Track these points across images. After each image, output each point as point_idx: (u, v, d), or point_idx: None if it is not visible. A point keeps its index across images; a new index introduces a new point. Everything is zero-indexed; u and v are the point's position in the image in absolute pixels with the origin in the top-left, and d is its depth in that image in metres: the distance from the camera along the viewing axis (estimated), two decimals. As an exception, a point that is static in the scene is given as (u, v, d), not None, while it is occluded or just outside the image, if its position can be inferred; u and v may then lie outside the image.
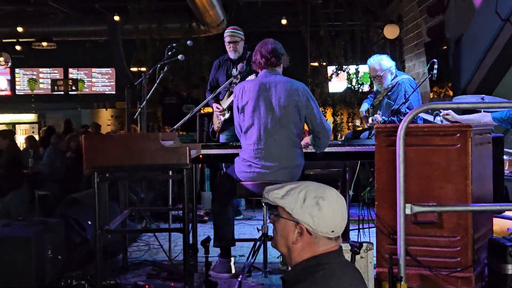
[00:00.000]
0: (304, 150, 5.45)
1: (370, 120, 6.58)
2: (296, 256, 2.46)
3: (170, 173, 5.50)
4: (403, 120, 4.18)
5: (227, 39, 7.24)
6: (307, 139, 5.48)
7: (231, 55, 7.23)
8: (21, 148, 14.47)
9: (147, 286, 4.86)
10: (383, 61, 6.68)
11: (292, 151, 5.22)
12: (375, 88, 7.18)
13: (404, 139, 4.15)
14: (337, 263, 2.44)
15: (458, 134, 4.37)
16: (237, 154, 5.44)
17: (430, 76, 6.18)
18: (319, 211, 2.38)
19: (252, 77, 6.28)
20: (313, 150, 5.52)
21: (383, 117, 6.42)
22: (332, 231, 2.40)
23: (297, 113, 5.22)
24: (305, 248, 2.44)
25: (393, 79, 6.71)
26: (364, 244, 4.34)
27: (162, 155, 4.44)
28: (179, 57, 6.55)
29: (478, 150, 4.55)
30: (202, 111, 13.84)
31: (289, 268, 2.54)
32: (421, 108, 4.38)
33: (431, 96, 11.52)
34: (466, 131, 4.35)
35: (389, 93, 6.70)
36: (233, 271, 5.52)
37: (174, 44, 6.75)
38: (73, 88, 18.75)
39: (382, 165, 4.62)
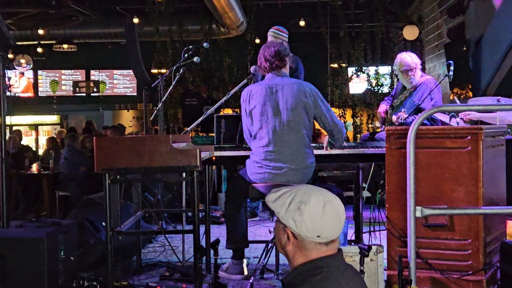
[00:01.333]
0: (322, 152, 5.49)
1: (393, 117, 6.56)
2: (292, 259, 2.47)
3: (184, 175, 5.50)
4: (413, 122, 4.16)
5: (269, 38, 7.21)
6: (326, 138, 5.52)
7: None
8: (43, 149, 14.63)
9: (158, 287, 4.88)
10: (414, 56, 6.70)
11: (303, 152, 5.23)
12: (392, 91, 7.14)
13: (415, 142, 4.13)
14: (335, 267, 2.43)
15: (469, 137, 4.34)
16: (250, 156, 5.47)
17: (446, 77, 6.16)
18: (300, 215, 2.38)
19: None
20: (329, 152, 5.55)
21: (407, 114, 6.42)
22: (318, 236, 2.39)
23: (305, 114, 5.24)
24: (297, 252, 2.44)
25: (420, 78, 6.71)
26: (374, 247, 4.33)
27: (172, 157, 4.46)
28: (195, 59, 6.58)
29: (490, 153, 4.51)
30: (222, 113, 13.95)
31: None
32: (431, 110, 4.37)
33: (451, 98, 11.45)
34: (477, 133, 4.32)
35: (413, 92, 6.68)
36: (246, 272, 5.52)
37: (190, 46, 6.78)
38: (95, 89, 18.89)
39: (392, 167, 4.60)
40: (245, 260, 5.59)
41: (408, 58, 6.71)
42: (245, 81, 6.34)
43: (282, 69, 5.37)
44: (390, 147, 4.63)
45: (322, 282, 2.37)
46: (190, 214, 7.13)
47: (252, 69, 6.25)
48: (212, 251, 4.64)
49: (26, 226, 5.04)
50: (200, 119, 6.19)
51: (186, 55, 6.71)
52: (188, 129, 6.42)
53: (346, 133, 5.56)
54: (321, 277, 2.38)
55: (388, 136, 4.64)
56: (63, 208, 9.88)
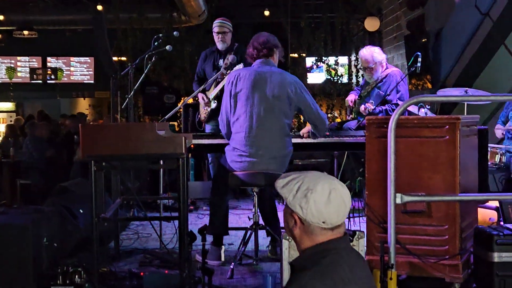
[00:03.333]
0: (298, 140, 5.63)
1: (361, 107, 6.71)
2: (299, 242, 2.58)
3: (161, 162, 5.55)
4: (395, 112, 4.29)
5: (215, 29, 7.32)
6: (307, 128, 5.67)
7: (219, 45, 7.31)
8: (0, 137, 14.44)
9: (142, 274, 4.93)
10: (376, 54, 6.82)
11: (282, 140, 5.38)
12: (362, 81, 7.29)
13: (395, 131, 4.26)
14: (342, 249, 2.54)
15: (447, 126, 4.49)
16: (227, 144, 5.56)
17: (414, 69, 6.34)
18: (307, 203, 2.48)
19: (240, 66, 6.41)
20: (305, 141, 5.70)
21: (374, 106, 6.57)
22: (323, 222, 2.49)
23: (288, 104, 5.38)
24: (303, 235, 2.55)
25: (383, 71, 6.84)
26: (356, 232, 4.45)
27: (158, 144, 4.52)
28: (167, 47, 6.65)
29: (465, 142, 4.67)
30: (182, 100, 13.94)
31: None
32: (412, 100, 4.51)
33: (409, 88, 11.66)
34: (454, 123, 4.48)
35: (379, 84, 6.83)
36: (223, 258, 5.64)
37: (160, 35, 6.84)
38: (52, 77, 18.61)
39: (372, 156, 4.73)
40: (223, 247, 5.71)
41: (368, 56, 6.84)
42: (222, 70, 6.45)
43: (270, 58, 5.49)
44: (370, 136, 4.75)
45: (331, 264, 2.47)
46: (165, 201, 7.21)
47: (230, 58, 6.35)
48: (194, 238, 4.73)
49: (9, 212, 5.04)
50: (176, 108, 6.32)
51: (156, 43, 6.77)
52: (166, 117, 6.48)
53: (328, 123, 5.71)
54: (330, 259, 2.49)
55: (368, 125, 4.77)
56: (24, 196, 9.82)
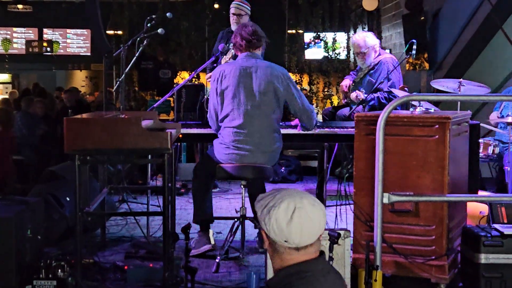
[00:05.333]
0: (289, 131, 5.59)
1: (352, 95, 6.64)
2: (271, 260, 2.55)
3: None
4: (384, 110, 4.21)
5: (232, 10, 7.22)
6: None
7: (233, 27, 7.21)
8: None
9: (126, 267, 4.90)
10: (368, 39, 6.71)
11: (271, 136, 5.31)
12: (357, 65, 7.20)
13: (384, 129, 4.19)
14: (318, 270, 2.49)
15: (437, 126, 4.42)
16: (216, 135, 5.50)
17: (409, 56, 6.27)
18: (269, 220, 2.43)
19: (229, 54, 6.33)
20: (296, 131, 5.65)
21: (365, 94, 6.51)
22: (286, 241, 2.44)
23: (275, 99, 5.30)
24: (273, 254, 2.51)
25: (376, 57, 6.74)
26: (342, 232, 4.41)
27: (143, 139, 4.44)
28: (159, 31, 6.57)
29: (456, 140, 4.61)
30: (179, 76, 13.83)
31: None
32: (401, 99, 4.43)
33: (407, 68, 11.60)
34: (445, 122, 4.41)
35: (371, 71, 6.74)
36: (213, 241, 5.59)
37: (153, 16, 6.75)
38: (48, 49, 18.40)
39: (361, 153, 4.67)
40: (211, 231, 5.67)
41: (361, 41, 6.73)
42: (213, 58, 6.36)
43: (257, 50, 5.39)
44: (359, 133, 4.68)
45: (307, 286, 2.43)
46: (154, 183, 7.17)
47: (220, 47, 6.26)
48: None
49: (-8, 204, 4.99)
50: (173, 91, 6.26)
51: (149, 25, 6.69)
52: (155, 105, 6.42)
53: (316, 117, 5.63)
54: (306, 282, 2.44)
55: (357, 122, 4.69)
56: (17, 172, 9.76)
